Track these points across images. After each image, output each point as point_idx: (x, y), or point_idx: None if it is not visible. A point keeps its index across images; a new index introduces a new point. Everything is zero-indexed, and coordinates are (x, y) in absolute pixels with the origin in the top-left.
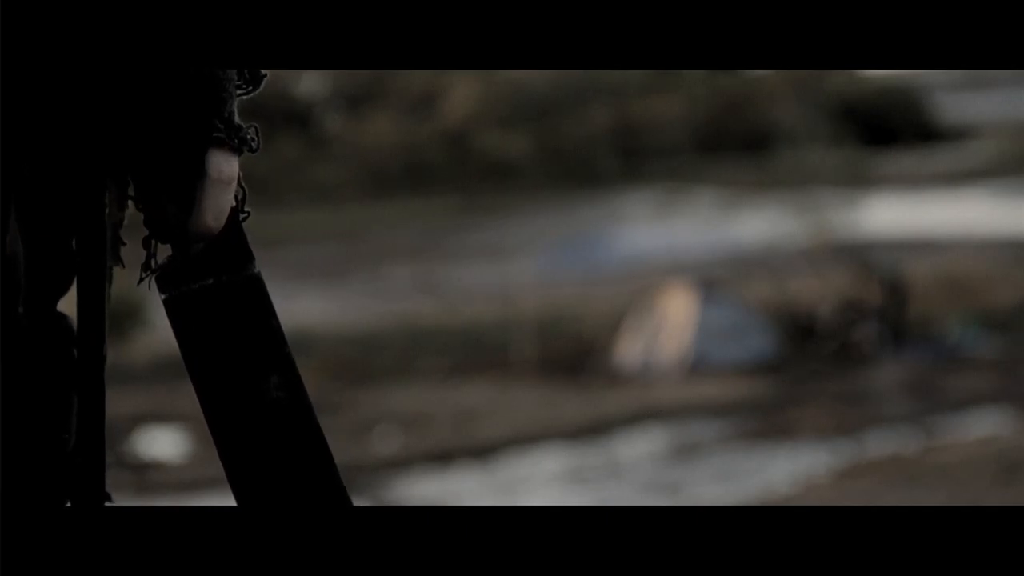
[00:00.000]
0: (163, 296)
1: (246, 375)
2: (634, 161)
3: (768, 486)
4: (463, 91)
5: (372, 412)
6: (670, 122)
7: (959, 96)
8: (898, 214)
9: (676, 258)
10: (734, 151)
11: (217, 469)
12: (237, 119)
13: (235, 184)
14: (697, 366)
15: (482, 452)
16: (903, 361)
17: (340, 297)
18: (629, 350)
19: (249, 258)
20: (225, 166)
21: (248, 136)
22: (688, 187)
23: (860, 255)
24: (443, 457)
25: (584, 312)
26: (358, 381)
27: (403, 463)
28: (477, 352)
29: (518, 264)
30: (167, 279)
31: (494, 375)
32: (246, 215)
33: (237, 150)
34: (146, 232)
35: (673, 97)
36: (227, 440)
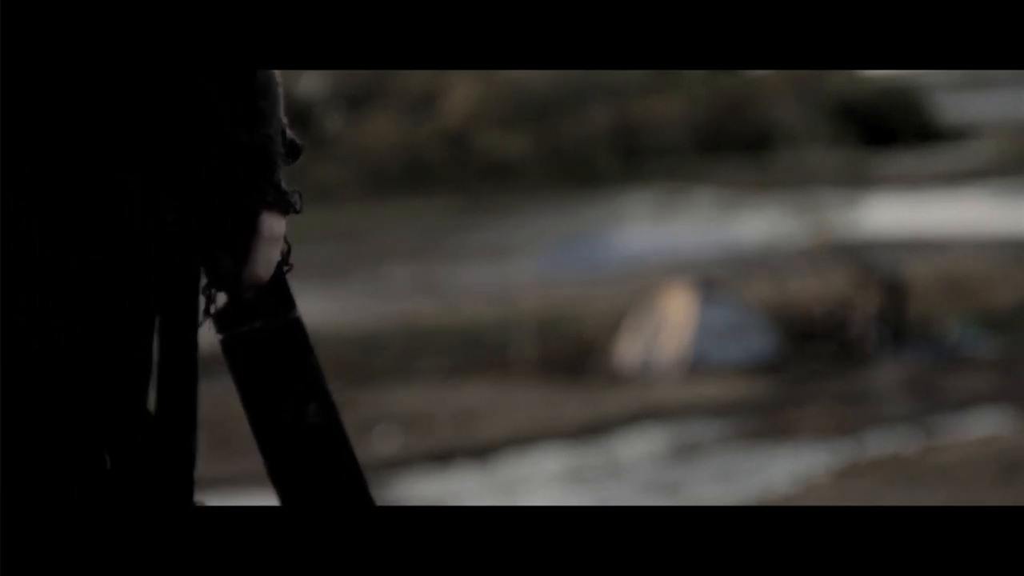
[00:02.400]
0: (219, 336)
1: (289, 403)
2: (634, 161)
3: (768, 486)
4: (463, 91)
5: (372, 412)
6: (670, 122)
7: (959, 96)
8: (898, 214)
9: (676, 258)
10: (734, 151)
11: (214, 470)
12: (284, 184)
13: (282, 240)
14: (697, 366)
15: (482, 452)
16: (903, 361)
17: (340, 297)
18: (629, 350)
19: (292, 305)
20: (275, 226)
21: (293, 199)
22: (688, 187)
23: (860, 255)
24: (443, 457)
25: (584, 312)
26: (358, 381)
27: (403, 463)
28: (477, 352)
29: (518, 264)
30: (223, 321)
31: (494, 375)
32: (289, 267)
33: (285, 211)
34: (205, 282)
35: (673, 97)
36: (272, 456)
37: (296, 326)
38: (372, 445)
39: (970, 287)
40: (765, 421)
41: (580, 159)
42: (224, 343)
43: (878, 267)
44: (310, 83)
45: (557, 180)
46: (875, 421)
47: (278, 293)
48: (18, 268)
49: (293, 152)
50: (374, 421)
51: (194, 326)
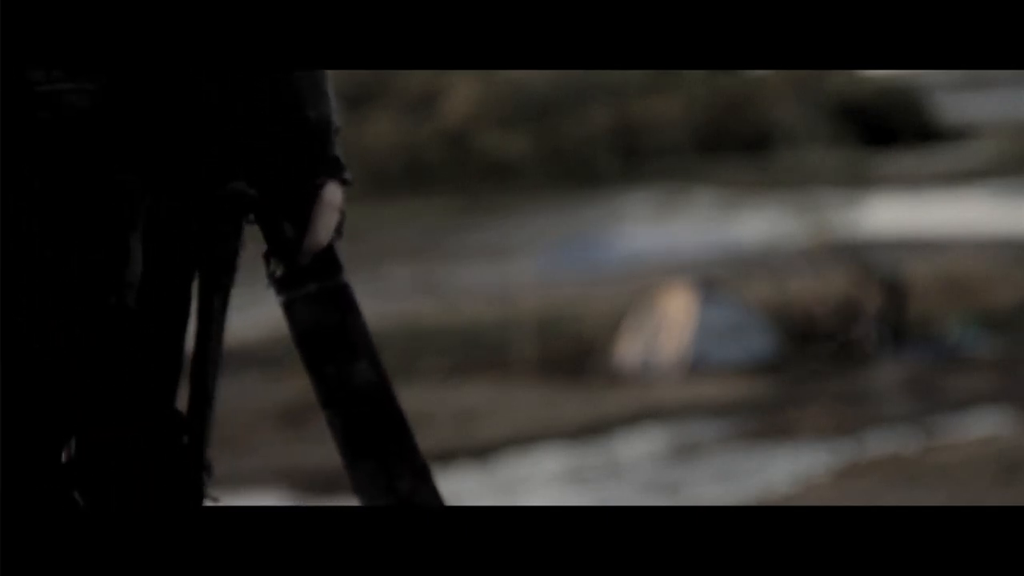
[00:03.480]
0: (280, 299)
1: (342, 360)
2: (634, 161)
3: (768, 486)
4: (463, 91)
5: None
6: (670, 122)
7: (959, 96)
8: (898, 214)
9: (676, 258)
10: (734, 151)
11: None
12: (342, 158)
13: (339, 209)
14: (697, 366)
15: (482, 452)
16: (903, 361)
17: None
18: (629, 350)
19: (340, 269)
20: (335, 195)
21: (347, 172)
22: (688, 187)
23: (860, 255)
24: (443, 457)
25: (584, 312)
26: None
27: None
28: (477, 352)
29: (518, 264)
30: (282, 285)
31: (494, 375)
32: (340, 236)
33: (343, 182)
34: (265, 248)
35: (673, 97)
36: (330, 407)
37: (345, 289)
38: None
39: (970, 287)
40: (765, 421)
41: (580, 159)
42: (284, 305)
43: (878, 267)
44: None
45: (557, 180)
46: (875, 421)
47: (329, 259)
48: (18, 268)
49: (336, 131)
50: None
51: (183, 326)
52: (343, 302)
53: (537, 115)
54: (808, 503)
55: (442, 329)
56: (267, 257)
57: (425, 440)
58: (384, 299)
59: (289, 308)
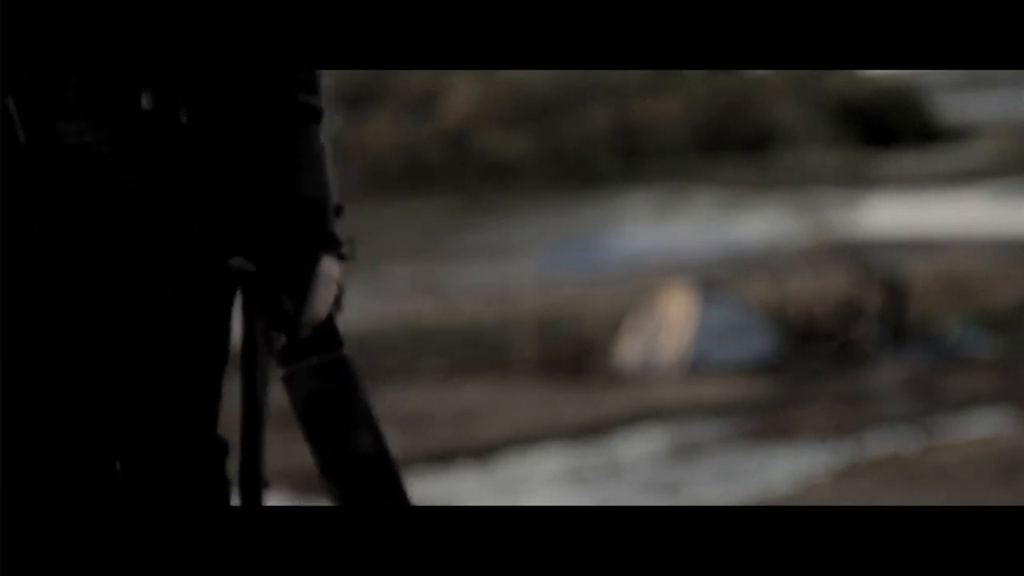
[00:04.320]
0: (282, 372)
1: (342, 429)
2: (634, 161)
3: (768, 486)
4: (463, 91)
5: None
6: (670, 122)
7: (959, 96)
8: (898, 214)
9: (676, 258)
10: (734, 151)
11: None
12: (338, 233)
13: (335, 284)
14: (697, 366)
15: (482, 452)
16: (903, 361)
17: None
18: (629, 350)
19: (341, 343)
20: (332, 270)
21: (346, 247)
22: (688, 187)
23: (860, 255)
24: (443, 457)
25: (584, 312)
26: None
27: (403, 463)
28: (477, 352)
29: (518, 264)
30: (284, 358)
31: (494, 375)
32: (340, 310)
33: (340, 257)
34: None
35: (673, 97)
36: (330, 476)
37: (347, 362)
38: None
39: (970, 287)
40: (765, 421)
41: (580, 159)
42: (285, 378)
43: (878, 267)
44: None
45: (557, 180)
46: (875, 421)
47: (330, 333)
48: (18, 268)
49: (338, 211)
50: None
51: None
52: (344, 375)
53: (537, 115)
54: (808, 503)
55: (442, 329)
56: (268, 330)
57: (425, 440)
58: (384, 299)
59: (290, 380)
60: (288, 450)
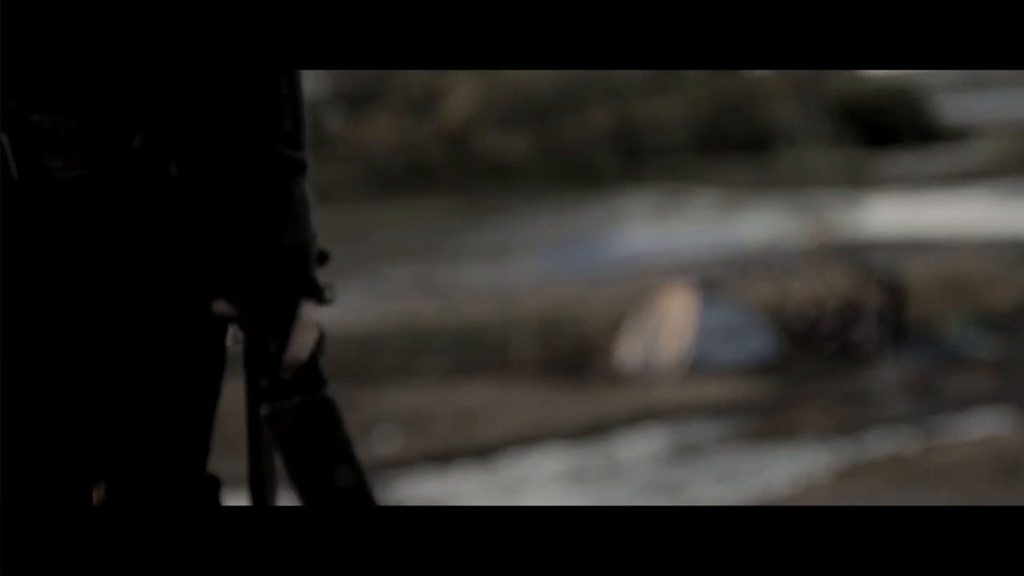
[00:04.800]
0: (264, 411)
1: (323, 465)
2: (634, 161)
3: (768, 486)
4: (463, 91)
5: (372, 412)
6: (670, 122)
7: (959, 96)
8: (898, 214)
9: (676, 258)
10: (734, 151)
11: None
12: (319, 279)
13: (316, 328)
14: (697, 366)
15: (482, 452)
16: (903, 361)
17: (340, 297)
18: (629, 350)
19: (323, 384)
20: (312, 314)
21: (326, 292)
22: (688, 187)
23: (860, 255)
24: (443, 457)
25: (584, 312)
26: (358, 381)
27: (403, 463)
28: (477, 352)
29: (518, 264)
30: (268, 397)
31: (494, 375)
32: (322, 352)
33: (320, 302)
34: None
35: (673, 97)
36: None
37: (328, 402)
38: (372, 446)
39: (970, 287)
40: (765, 421)
41: (580, 159)
42: (268, 416)
43: (878, 267)
44: (310, 83)
45: (557, 180)
46: (875, 421)
47: (313, 374)
48: (11, 301)
49: (322, 257)
50: (374, 421)
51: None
52: (326, 415)
53: (537, 115)
54: (808, 503)
55: (442, 329)
56: (251, 371)
57: (425, 440)
58: (384, 299)
59: (274, 418)
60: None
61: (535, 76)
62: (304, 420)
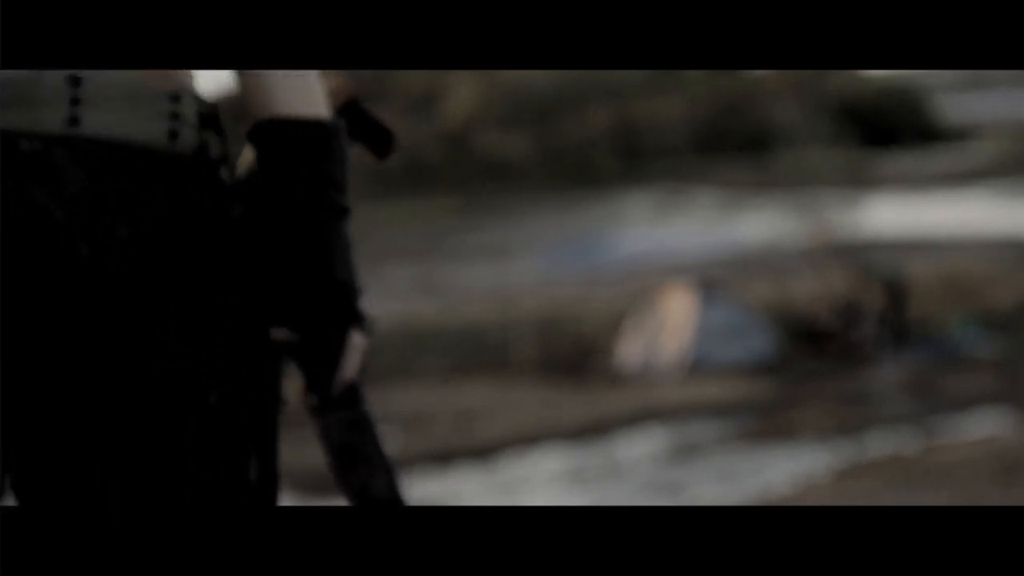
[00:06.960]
0: (316, 422)
1: (364, 473)
2: (634, 161)
3: (768, 486)
4: (463, 91)
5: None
6: (670, 122)
7: (959, 96)
8: (898, 214)
9: (676, 258)
10: (734, 151)
11: None
12: (363, 310)
13: (362, 353)
14: (697, 366)
15: (482, 452)
16: (903, 361)
17: None
18: (629, 350)
19: (363, 401)
20: (360, 340)
21: (370, 322)
22: (688, 187)
23: (860, 255)
24: (443, 457)
25: (584, 312)
26: (358, 381)
27: (403, 463)
28: (477, 352)
29: (518, 264)
30: (317, 412)
31: (494, 375)
32: (363, 373)
33: (365, 331)
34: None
35: (673, 97)
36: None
37: (368, 416)
38: None
39: (970, 287)
40: (765, 421)
41: (580, 159)
42: (321, 427)
43: (878, 267)
44: None
45: (557, 180)
46: (875, 421)
47: (354, 392)
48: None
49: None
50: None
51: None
52: (364, 427)
53: (537, 115)
54: (808, 503)
55: (442, 329)
56: (304, 390)
57: (425, 440)
58: (384, 299)
59: (325, 430)
60: (289, 450)
61: (535, 76)
62: (347, 430)
